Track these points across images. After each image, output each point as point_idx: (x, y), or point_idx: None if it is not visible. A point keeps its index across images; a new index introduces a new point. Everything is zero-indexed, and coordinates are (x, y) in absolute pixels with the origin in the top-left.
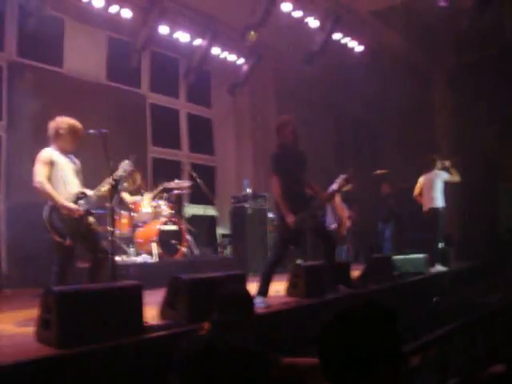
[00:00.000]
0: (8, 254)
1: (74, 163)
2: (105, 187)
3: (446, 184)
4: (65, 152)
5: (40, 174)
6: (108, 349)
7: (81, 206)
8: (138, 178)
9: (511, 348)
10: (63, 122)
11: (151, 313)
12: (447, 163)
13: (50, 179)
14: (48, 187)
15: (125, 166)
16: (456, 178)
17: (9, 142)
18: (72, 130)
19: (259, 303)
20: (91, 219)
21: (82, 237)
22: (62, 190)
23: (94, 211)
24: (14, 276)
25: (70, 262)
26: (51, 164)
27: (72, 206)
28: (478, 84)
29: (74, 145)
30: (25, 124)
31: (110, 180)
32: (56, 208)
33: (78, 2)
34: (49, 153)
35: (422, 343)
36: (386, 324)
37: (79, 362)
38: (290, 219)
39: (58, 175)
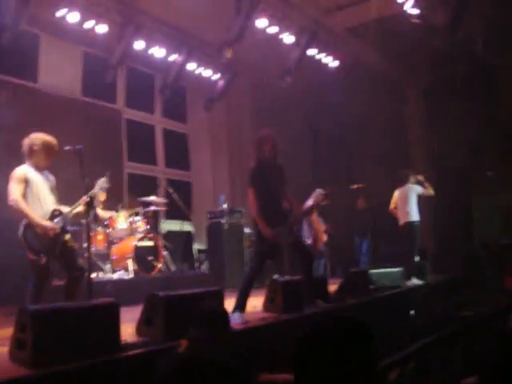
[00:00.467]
0: None
1: (49, 180)
2: (80, 204)
3: (420, 198)
4: (39, 168)
5: (14, 192)
6: (84, 368)
7: (56, 224)
8: (103, 195)
9: (485, 360)
10: (37, 138)
11: (128, 330)
12: (420, 177)
13: (24, 197)
14: (23, 205)
15: (101, 183)
16: (430, 192)
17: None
18: (46, 147)
19: (236, 319)
20: (67, 236)
21: (58, 254)
22: (36, 208)
23: (69, 228)
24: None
25: (45, 279)
26: (26, 181)
27: (47, 224)
28: (451, 99)
29: (48, 161)
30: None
31: (85, 197)
32: (31, 226)
33: (53, 17)
34: (23, 170)
35: (399, 358)
36: (361, 341)
37: (54, 383)
38: (267, 233)
39: (33, 193)
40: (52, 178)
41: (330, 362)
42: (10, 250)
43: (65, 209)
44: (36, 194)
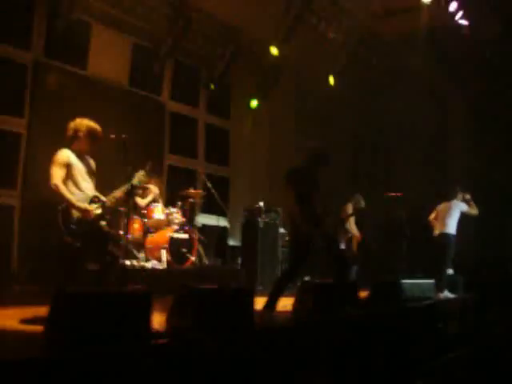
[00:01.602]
0: (19, 250)
1: (89, 165)
2: (118, 194)
3: (462, 216)
4: (81, 153)
5: (56, 176)
6: (114, 353)
7: (94, 210)
8: (156, 188)
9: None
10: (82, 124)
11: (158, 319)
12: (468, 196)
13: (64, 181)
14: (63, 189)
15: (140, 176)
16: (474, 212)
17: (28, 140)
18: (90, 133)
19: (266, 317)
20: (103, 223)
21: (92, 240)
22: (76, 193)
23: (106, 216)
24: (24, 273)
25: (79, 263)
26: (67, 166)
27: (86, 206)
28: (499, 112)
29: (91, 147)
30: (45, 123)
31: (124, 187)
32: (69, 209)
33: (106, 7)
34: (65, 154)
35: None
36: None
37: (85, 365)
38: (305, 228)
39: (73, 178)
40: (93, 162)
41: None
42: (48, 231)
43: (103, 197)
44: (76, 179)
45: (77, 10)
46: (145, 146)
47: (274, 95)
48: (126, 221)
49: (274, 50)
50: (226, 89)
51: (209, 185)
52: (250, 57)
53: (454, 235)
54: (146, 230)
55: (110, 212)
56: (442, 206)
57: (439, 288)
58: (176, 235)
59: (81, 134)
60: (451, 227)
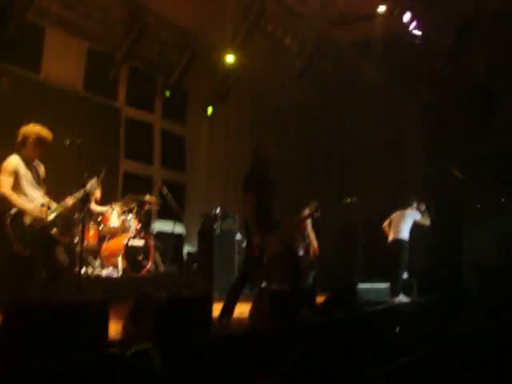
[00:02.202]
0: None
1: (38, 172)
2: (70, 201)
3: (415, 224)
4: (30, 160)
5: (4, 184)
6: (70, 364)
7: (46, 218)
8: (98, 192)
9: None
10: (31, 130)
11: (114, 328)
12: (423, 207)
13: (13, 189)
14: (12, 197)
15: (93, 183)
16: (426, 222)
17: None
18: (39, 140)
19: (222, 325)
20: (54, 230)
21: (42, 248)
22: (26, 202)
23: (57, 223)
24: None
25: (31, 272)
26: (15, 174)
27: (39, 214)
28: (450, 121)
29: (39, 153)
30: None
31: (76, 194)
32: (19, 216)
33: (61, 11)
34: (14, 162)
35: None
36: None
37: (40, 377)
38: (257, 240)
39: (21, 185)
40: (42, 169)
41: None
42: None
43: (54, 204)
44: (24, 187)
45: (30, 12)
46: (100, 151)
47: (230, 101)
48: (80, 228)
49: (229, 59)
50: (183, 95)
51: (165, 191)
52: (207, 63)
53: (407, 241)
54: (102, 237)
55: (63, 219)
56: (396, 214)
57: (394, 292)
58: (132, 242)
59: (30, 140)
60: (404, 234)
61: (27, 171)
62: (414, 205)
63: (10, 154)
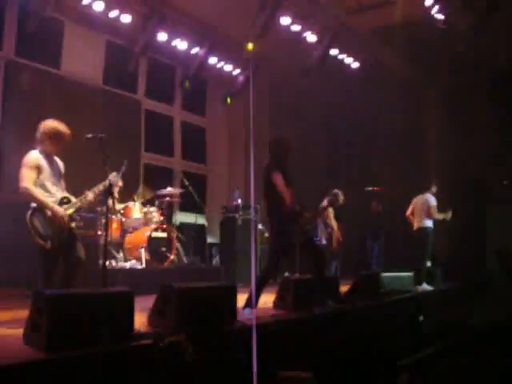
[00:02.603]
0: None
1: (58, 166)
2: (90, 195)
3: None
4: (49, 155)
5: (26, 178)
6: (96, 355)
7: (66, 212)
8: (120, 182)
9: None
10: (50, 125)
11: (139, 320)
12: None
13: (35, 183)
14: (35, 192)
15: (112, 177)
16: (438, 216)
17: (1, 140)
18: (56, 135)
19: (246, 314)
20: (73, 224)
21: (61, 242)
22: (45, 195)
23: (76, 217)
24: (2, 274)
25: (52, 265)
26: (37, 168)
27: (59, 209)
28: (471, 105)
29: (58, 148)
30: (18, 123)
31: (96, 189)
32: (40, 210)
33: (79, 5)
34: (35, 156)
35: (408, 362)
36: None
37: (67, 367)
38: (297, 209)
39: (41, 180)
40: (61, 164)
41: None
42: (24, 232)
43: (73, 198)
44: (44, 181)
45: (49, 7)
46: (120, 144)
47: (249, 91)
48: (104, 221)
49: (249, 46)
50: (202, 86)
51: (186, 183)
52: (225, 53)
53: (431, 228)
54: (125, 230)
55: (86, 213)
56: (416, 199)
57: (418, 281)
58: (154, 234)
59: (48, 136)
60: (428, 221)
61: (47, 166)
62: (434, 189)
63: (32, 148)
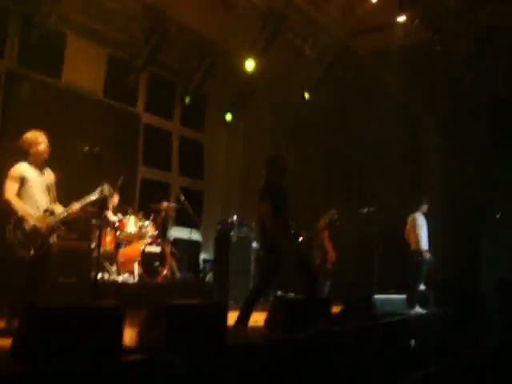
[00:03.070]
0: None
1: (47, 178)
2: (76, 207)
3: (429, 228)
4: (38, 166)
5: (8, 190)
6: (84, 370)
7: (48, 223)
8: (116, 198)
9: None
10: (29, 137)
11: (129, 334)
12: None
13: (19, 195)
14: (15, 202)
15: (102, 189)
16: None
17: (0, 150)
18: (36, 143)
19: (237, 333)
20: (53, 239)
21: (40, 252)
22: (30, 206)
23: (61, 227)
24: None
25: (33, 276)
26: (21, 180)
27: (40, 218)
28: (468, 131)
29: (43, 158)
30: (17, 134)
31: (82, 200)
32: (21, 221)
33: (82, 18)
34: (20, 168)
35: None
36: None
37: (54, 382)
38: (284, 241)
39: (28, 191)
40: (51, 175)
41: None
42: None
43: (58, 209)
44: (30, 193)
45: (52, 19)
46: (118, 157)
47: (248, 109)
48: (97, 233)
49: (248, 66)
50: (201, 101)
51: (182, 198)
52: (226, 70)
53: (426, 250)
54: (119, 243)
55: (80, 224)
56: (409, 219)
57: (411, 303)
58: (148, 249)
59: (27, 147)
60: (422, 243)
61: (36, 177)
62: (424, 208)
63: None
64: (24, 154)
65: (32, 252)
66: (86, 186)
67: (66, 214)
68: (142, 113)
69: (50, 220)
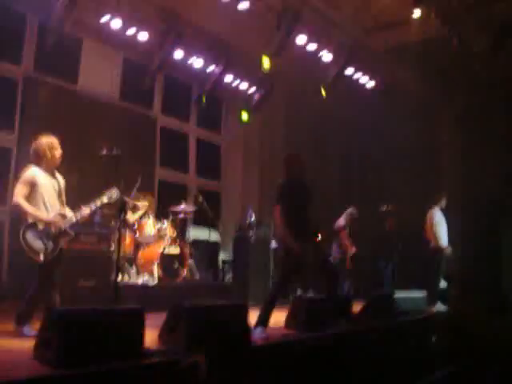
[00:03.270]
0: (9, 264)
1: (57, 182)
2: (86, 211)
3: (448, 224)
4: (49, 171)
5: (18, 194)
6: (106, 372)
7: (59, 227)
8: (151, 200)
9: None
10: (41, 142)
11: (150, 337)
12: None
13: (29, 199)
14: (25, 206)
15: (111, 193)
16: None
17: (18, 155)
18: (50, 148)
19: (258, 334)
20: (63, 240)
21: (54, 256)
22: (42, 211)
23: (71, 231)
24: (15, 287)
25: (47, 278)
26: (32, 184)
27: (51, 217)
28: (486, 125)
29: (55, 162)
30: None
31: (92, 204)
32: (32, 225)
33: (97, 23)
34: (31, 173)
35: None
36: None
37: (75, 382)
38: (295, 247)
39: (39, 196)
40: (61, 180)
41: None
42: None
43: (69, 213)
44: (42, 197)
45: (68, 25)
46: (136, 160)
47: (264, 109)
48: (117, 236)
49: (265, 64)
50: (217, 103)
51: (200, 199)
52: (241, 70)
53: (445, 247)
54: (137, 246)
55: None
56: (428, 215)
57: (432, 301)
58: (167, 250)
59: (42, 152)
60: (442, 239)
61: (48, 182)
62: (443, 203)
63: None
64: (37, 159)
65: (43, 256)
66: (104, 188)
67: (76, 218)
68: (158, 115)
69: (62, 224)
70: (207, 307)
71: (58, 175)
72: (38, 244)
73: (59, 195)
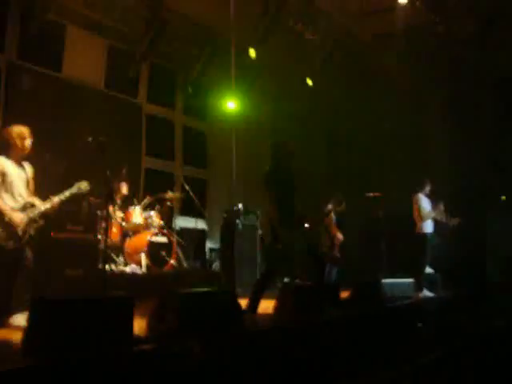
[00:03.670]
0: None
1: (26, 172)
2: (54, 201)
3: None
4: (17, 160)
5: None
6: (97, 360)
7: (27, 216)
8: (125, 188)
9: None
10: (11, 131)
11: (139, 325)
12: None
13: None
14: None
15: (81, 185)
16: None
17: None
18: (19, 137)
19: (248, 320)
20: (31, 231)
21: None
22: (9, 200)
23: (40, 220)
24: None
25: (14, 268)
26: (1, 174)
27: (15, 217)
28: (476, 112)
29: (25, 151)
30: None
31: (61, 195)
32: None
33: (81, 9)
34: (0, 162)
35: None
36: None
37: (65, 373)
38: (284, 234)
39: (7, 185)
40: (29, 169)
41: None
42: None
43: (37, 202)
44: (10, 187)
45: (51, 11)
46: (121, 148)
47: (251, 96)
48: (103, 225)
49: (251, 52)
50: (203, 90)
51: (187, 187)
52: (227, 58)
53: (430, 233)
54: (125, 234)
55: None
56: (413, 200)
57: (418, 287)
58: (155, 239)
59: (11, 141)
60: (426, 225)
61: (16, 171)
62: (427, 189)
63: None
64: (6, 148)
65: (12, 244)
66: (90, 176)
67: (45, 208)
68: (143, 103)
69: (30, 213)
70: (197, 294)
71: (25, 164)
72: (5, 233)
73: (27, 184)
